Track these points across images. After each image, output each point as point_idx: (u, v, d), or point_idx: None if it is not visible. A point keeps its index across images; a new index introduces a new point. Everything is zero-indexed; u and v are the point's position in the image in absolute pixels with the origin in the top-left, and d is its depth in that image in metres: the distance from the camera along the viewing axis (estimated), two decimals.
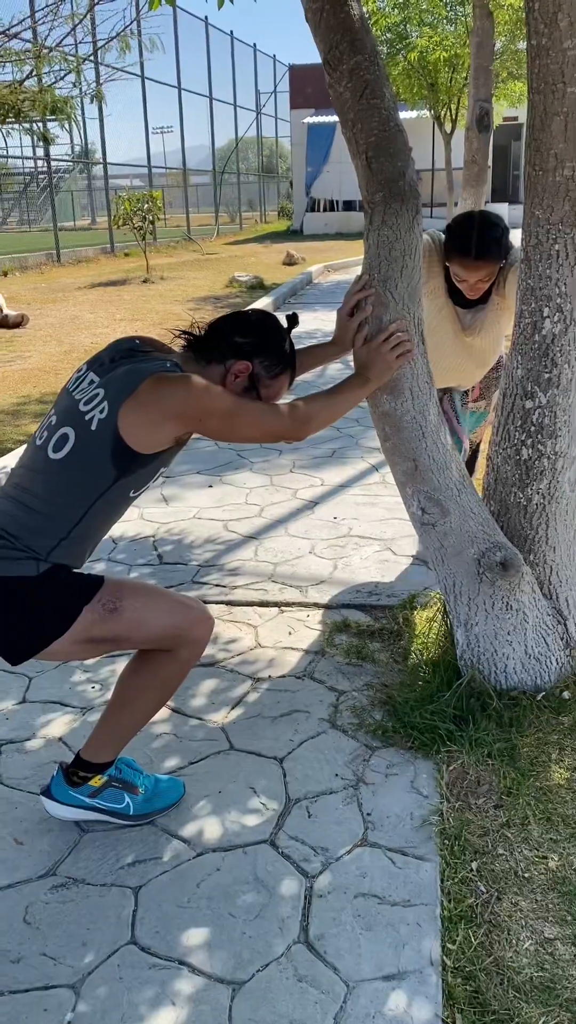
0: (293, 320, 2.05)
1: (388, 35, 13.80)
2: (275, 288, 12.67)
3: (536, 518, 2.37)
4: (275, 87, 33.61)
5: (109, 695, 2.61)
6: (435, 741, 2.33)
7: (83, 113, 18.37)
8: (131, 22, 9.23)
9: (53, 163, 21.59)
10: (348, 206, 26.72)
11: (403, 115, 20.12)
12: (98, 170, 23.57)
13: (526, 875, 1.92)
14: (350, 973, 1.70)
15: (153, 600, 1.94)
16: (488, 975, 1.68)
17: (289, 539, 3.78)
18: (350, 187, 26.40)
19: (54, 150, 25.16)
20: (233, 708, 2.58)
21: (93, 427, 1.78)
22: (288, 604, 3.19)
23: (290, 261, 16.92)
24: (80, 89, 9.29)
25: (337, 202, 26.67)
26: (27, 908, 1.89)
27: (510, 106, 15.70)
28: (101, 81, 10.33)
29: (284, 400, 1.98)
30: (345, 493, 4.34)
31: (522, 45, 12.54)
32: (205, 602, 3.22)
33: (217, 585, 3.36)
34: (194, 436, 2.00)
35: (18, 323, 9.63)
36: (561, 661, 2.45)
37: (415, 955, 1.73)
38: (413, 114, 18.82)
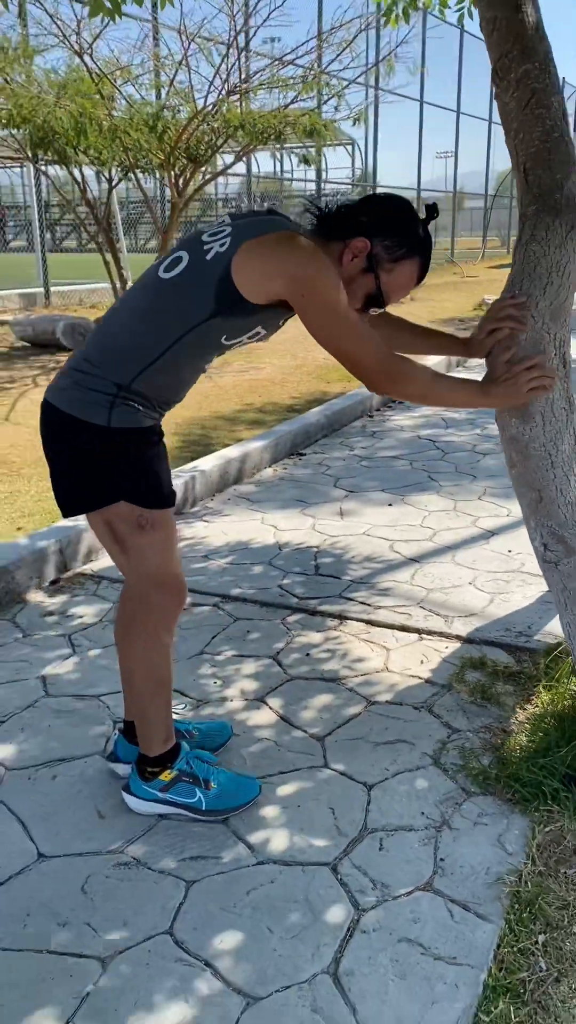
0: (432, 210, 1.92)
1: None
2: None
3: None
4: (563, 111, 32.61)
5: (229, 691, 2.69)
6: (537, 797, 2.15)
7: (365, 139, 18.82)
8: (398, 45, 9.39)
9: (333, 185, 22.39)
10: None
11: None
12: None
13: None
14: (367, 1018, 1.61)
15: (167, 547, 1.98)
16: None
17: (453, 567, 3.65)
18: None
19: (335, 174, 25.98)
20: (340, 727, 2.53)
21: (208, 256, 1.77)
22: (429, 632, 3.08)
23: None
24: (349, 113, 9.54)
25: None
26: (88, 878, 1.97)
27: None
28: (362, 105, 10.58)
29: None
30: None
31: None
32: (344, 617, 3.20)
33: (363, 603, 3.32)
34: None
35: None
36: None
37: (442, 1017, 1.60)
38: None
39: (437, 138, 41.01)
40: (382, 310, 2.01)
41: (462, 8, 4.68)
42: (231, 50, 8.52)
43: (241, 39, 8.91)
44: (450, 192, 26.39)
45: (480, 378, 2.04)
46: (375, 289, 1.88)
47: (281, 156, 23.77)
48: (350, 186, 27.69)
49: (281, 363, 8.97)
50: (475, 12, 4.49)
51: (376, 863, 1.99)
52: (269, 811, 2.17)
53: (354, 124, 10.33)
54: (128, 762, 2.26)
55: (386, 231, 1.85)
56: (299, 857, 2.02)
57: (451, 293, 16.08)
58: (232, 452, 5.04)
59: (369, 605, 3.29)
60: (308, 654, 2.95)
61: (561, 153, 2.09)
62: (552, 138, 2.09)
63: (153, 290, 1.85)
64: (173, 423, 6.07)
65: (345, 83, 9.19)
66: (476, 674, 2.78)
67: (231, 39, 8.52)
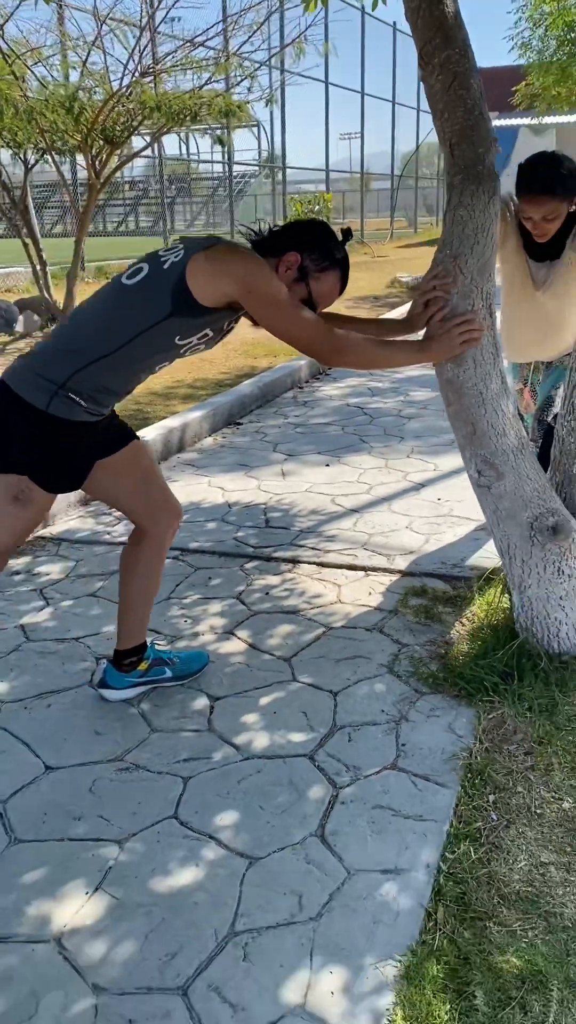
0: (347, 234, 2.24)
1: (573, 34, 13.54)
2: None
3: None
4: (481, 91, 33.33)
5: (199, 627, 2.94)
6: (480, 691, 2.48)
7: (271, 120, 19.00)
8: (307, 27, 9.64)
9: (239, 167, 22.52)
10: None
11: None
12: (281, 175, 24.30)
13: (538, 811, 2.05)
14: (353, 863, 1.91)
15: (24, 527, 2.18)
16: (478, 883, 1.84)
17: (390, 514, 3.97)
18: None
19: (242, 156, 26.09)
20: (303, 649, 2.82)
21: (165, 266, 2.04)
22: (374, 569, 3.40)
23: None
24: (260, 94, 9.75)
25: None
26: (94, 782, 2.21)
27: None
28: (275, 86, 10.81)
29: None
30: (455, 478, 4.47)
31: None
32: (297, 561, 3.48)
33: (313, 548, 3.61)
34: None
35: None
36: None
37: (414, 858, 1.91)
38: None
39: (342, 120, 41.41)
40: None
41: None
42: (144, 32, 8.63)
43: (156, 19, 9.01)
44: (357, 173, 26.80)
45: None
46: (307, 295, 2.17)
47: (187, 138, 23.76)
48: (257, 167, 27.84)
49: None
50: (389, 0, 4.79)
51: (347, 751, 2.29)
52: (249, 718, 2.45)
53: (266, 105, 10.54)
54: (117, 687, 2.52)
55: (312, 247, 2.16)
56: (280, 752, 2.30)
57: (363, 272, 16.44)
58: (172, 422, 5.25)
59: (319, 550, 3.59)
60: (268, 593, 3.23)
61: (481, 130, 2.39)
62: (473, 116, 2.39)
63: (116, 294, 2.11)
64: None
65: (257, 65, 9.39)
66: (418, 600, 3.11)
67: (144, 21, 8.61)
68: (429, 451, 4.98)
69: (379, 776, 2.19)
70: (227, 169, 19.37)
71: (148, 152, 15.83)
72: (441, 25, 2.42)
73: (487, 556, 3.43)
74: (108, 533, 3.86)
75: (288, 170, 23.11)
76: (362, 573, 3.38)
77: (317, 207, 15.61)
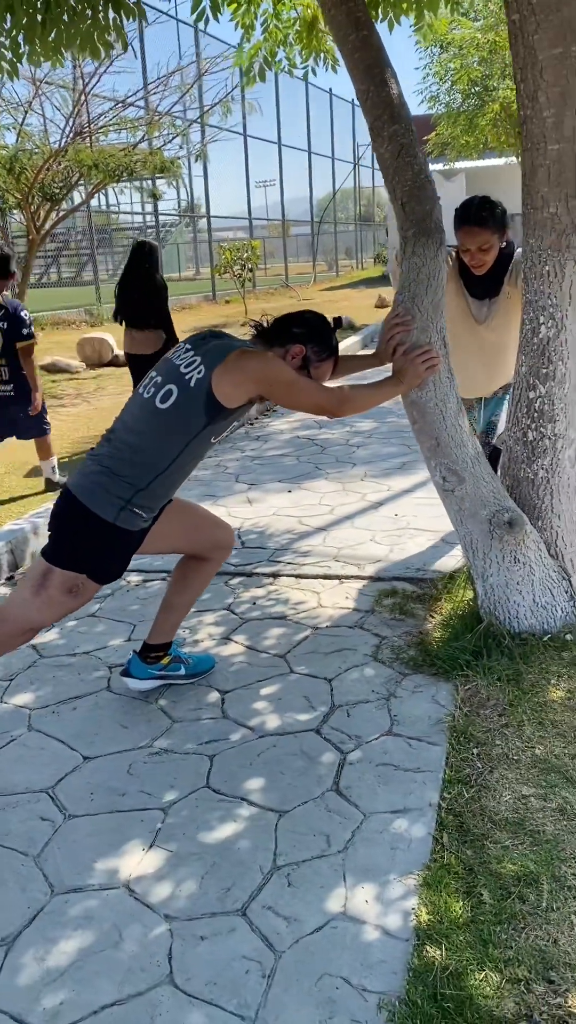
0: (338, 322, 2.66)
1: (476, 88, 14.47)
2: (363, 328, 13.35)
3: (542, 490, 2.90)
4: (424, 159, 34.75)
5: (198, 636, 3.26)
6: (455, 668, 2.86)
7: (189, 171, 19.64)
8: (233, 88, 10.22)
9: (161, 218, 23.08)
10: None
11: (491, 162, 20.41)
12: (203, 223, 25.00)
13: (515, 758, 2.42)
14: (367, 808, 2.25)
15: (65, 612, 2.50)
16: (473, 814, 2.20)
17: (354, 530, 4.36)
18: (446, 232, 27.08)
19: (163, 205, 26.70)
20: (295, 647, 3.17)
21: (192, 384, 2.39)
22: (347, 577, 3.77)
23: (381, 304, 17.61)
24: (187, 150, 10.29)
25: None
26: (130, 765, 2.51)
27: None
28: (206, 141, 11.36)
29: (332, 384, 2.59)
30: (409, 496, 4.90)
31: None
32: (277, 575, 3.84)
33: (289, 563, 3.97)
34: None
35: None
36: (566, 610, 2.95)
37: (418, 799, 2.27)
38: (501, 161, 19.38)
39: (260, 170, 42.58)
40: None
41: (306, 67, 5.45)
42: (79, 95, 9.08)
43: (89, 81, 9.47)
44: (278, 220, 27.68)
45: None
46: (307, 378, 2.56)
47: (107, 191, 24.26)
48: (178, 216, 28.49)
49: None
50: (318, 70, 5.31)
51: (348, 724, 2.64)
52: (258, 705, 2.78)
53: (196, 160, 11.06)
54: (138, 677, 2.84)
55: (314, 340, 2.57)
56: (289, 729, 2.64)
57: None
58: None
59: (295, 564, 3.95)
60: (255, 603, 3.57)
61: (428, 191, 2.83)
62: (420, 179, 2.83)
63: (154, 418, 2.43)
64: (62, 445, 6.53)
65: (188, 123, 9.92)
66: (390, 600, 3.49)
67: (81, 85, 9.06)
68: (380, 474, 5.41)
69: (378, 741, 2.55)
70: (156, 220, 19.84)
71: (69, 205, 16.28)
72: (388, 104, 2.87)
73: (446, 561, 3.84)
74: None
75: (211, 219, 23.73)
76: (337, 581, 3.75)
77: (246, 254, 16.19)
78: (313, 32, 5.17)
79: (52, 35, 3.62)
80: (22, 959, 1.85)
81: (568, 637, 2.92)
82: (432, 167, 16.63)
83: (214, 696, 2.87)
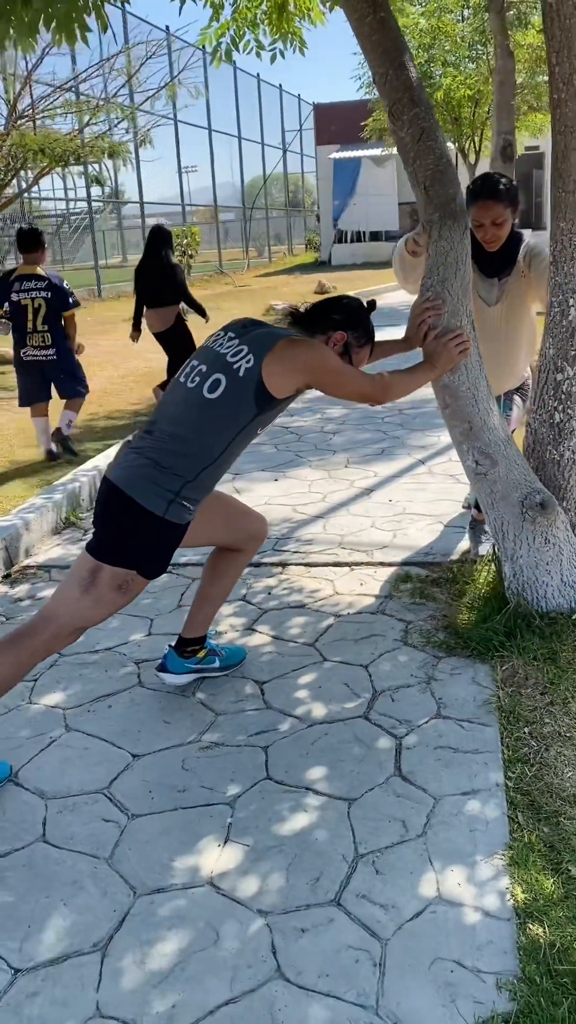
0: (372, 305, 2.64)
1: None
2: None
3: (568, 471, 2.94)
4: (301, 125, 34.76)
5: (220, 627, 3.22)
6: (489, 650, 2.89)
7: (135, 157, 19.25)
8: (180, 72, 10.07)
9: (81, 205, 22.58)
10: (375, 236, 27.51)
11: None
12: (127, 210, 24.57)
13: (568, 735, 2.46)
14: (436, 792, 2.26)
15: (114, 609, 2.43)
16: (540, 792, 2.23)
17: (352, 517, 4.37)
18: (376, 218, 27.25)
19: (83, 193, 26.10)
20: (322, 635, 3.16)
21: (241, 374, 2.35)
22: (357, 564, 3.78)
23: (322, 290, 17.62)
24: (132, 134, 10.09)
25: (364, 233, 27.47)
26: (183, 761, 2.47)
27: (531, 136, 16.40)
28: (147, 127, 11.19)
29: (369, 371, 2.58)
30: (397, 482, 4.93)
31: (541, 79, 13.24)
32: (286, 564, 3.82)
33: (295, 552, 3.95)
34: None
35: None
36: None
37: (484, 781, 2.29)
38: None
39: (188, 155, 42.08)
40: None
41: (274, 49, 5.40)
42: (26, 77, 8.82)
43: (29, 64, 9.20)
44: (211, 205, 27.42)
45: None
46: (348, 364, 2.55)
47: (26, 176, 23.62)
48: (101, 203, 27.97)
49: (106, 374, 9.33)
50: (262, 53, 5.27)
51: (395, 709, 2.65)
52: (299, 694, 2.77)
53: (141, 145, 10.87)
54: (175, 672, 2.79)
55: (354, 326, 2.56)
56: (337, 716, 2.63)
57: (234, 302, 16.94)
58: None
59: (301, 553, 3.93)
60: (270, 593, 3.55)
61: (450, 174, 2.83)
62: (442, 163, 2.83)
63: (203, 409, 2.38)
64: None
65: (135, 106, 9.74)
66: (407, 585, 3.51)
67: (24, 69, 8.80)
68: (362, 460, 5.43)
69: (429, 724, 2.56)
70: (89, 206, 19.45)
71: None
72: (408, 87, 2.85)
73: (450, 544, 3.88)
74: None
75: (134, 205, 23.33)
76: (347, 568, 3.75)
77: (186, 240, 16.01)
78: (283, 13, 5.12)
79: (27, 14, 3.47)
80: (121, 963, 1.80)
81: None
82: (363, 153, 17.02)
83: (251, 687, 2.84)
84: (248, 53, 5.52)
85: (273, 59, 5.51)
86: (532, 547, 2.92)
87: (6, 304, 5.50)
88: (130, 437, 2.54)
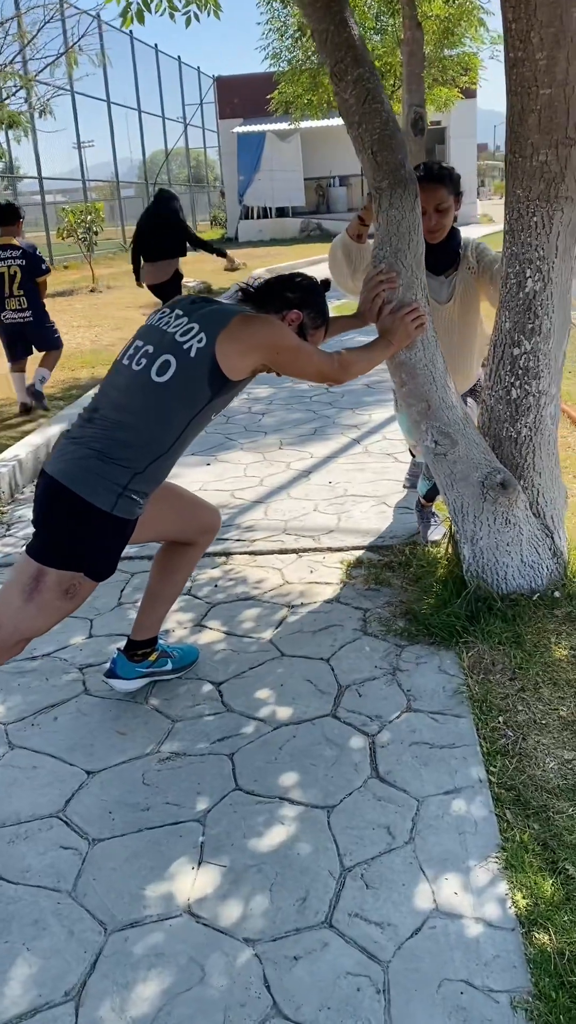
0: (327, 284, 2.49)
1: None
2: (223, 292, 13.08)
3: (524, 448, 2.85)
4: (201, 99, 34.06)
5: (167, 625, 3.04)
6: (453, 636, 2.79)
7: (32, 128, 18.44)
8: (80, 38, 9.60)
9: None
10: (281, 212, 27.29)
11: (331, 122, 20.40)
12: (24, 185, 23.59)
13: (543, 722, 2.38)
14: (417, 792, 2.14)
15: (61, 616, 2.22)
16: (524, 786, 2.14)
17: (293, 501, 4.22)
18: (282, 194, 26.98)
19: None
20: (276, 628, 3.01)
21: (192, 354, 2.16)
22: (305, 550, 3.63)
23: (231, 267, 17.32)
24: (30, 104, 9.60)
25: (270, 209, 27.20)
26: (143, 775, 2.29)
27: (436, 111, 16.42)
28: (46, 97, 10.67)
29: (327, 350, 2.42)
30: (334, 463, 4.80)
31: (447, 52, 13.23)
32: (229, 553, 3.64)
33: (238, 540, 3.78)
34: None
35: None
36: (550, 568, 2.93)
37: (466, 777, 2.18)
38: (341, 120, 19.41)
39: (89, 128, 40.77)
40: None
41: (188, 11, 5.14)
42: None
43: None
44: (112, 181, 26.65)
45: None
46: None
47: None
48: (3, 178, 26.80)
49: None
50: (176, 16, 5.03)
51: (363, 705, 2.52)
52: (260, 694, 2.61)
53: (40, 116, 10.38)
54: (126, 678, 2.60)
55: (310, 305, 2.41)
56: (304, 716, 2.49)
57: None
58: (35, 439, 5.18)
59: (244, 540, 3.76)
60: (216, 585, 3.37)
61: (397, 139, 2.68)
62: (389, 127, 2.67)
63: (151, 393, 2.17)
64: None
65: (35, 73, 9.26)
66: (359, 571, 3.38)
67: None
68: (296, 441, 5.27)
69: (401, 719, 2.44)
70: None
71: None
72: (350, 46, 2.69)
73: (399, 527, 3.77)
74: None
75: (31, 181, 22.43)
76: (295, 555, 3.60)
77: (90, 216, 15.47)
78: None
79: None
80: (99, 1012, 1.62)
81: (556, 594, 2.91)
82: (268, 127, 16.82)
83: (208, 689, 2.67)
84: (161, 15, 5.24)
85: (188, 23, 5.25)
86: (492, 528, 2.83)
87: None
88: (68, 427, 2.32)
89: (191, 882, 1.92)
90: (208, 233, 32.81)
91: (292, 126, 19.04)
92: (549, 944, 1.68)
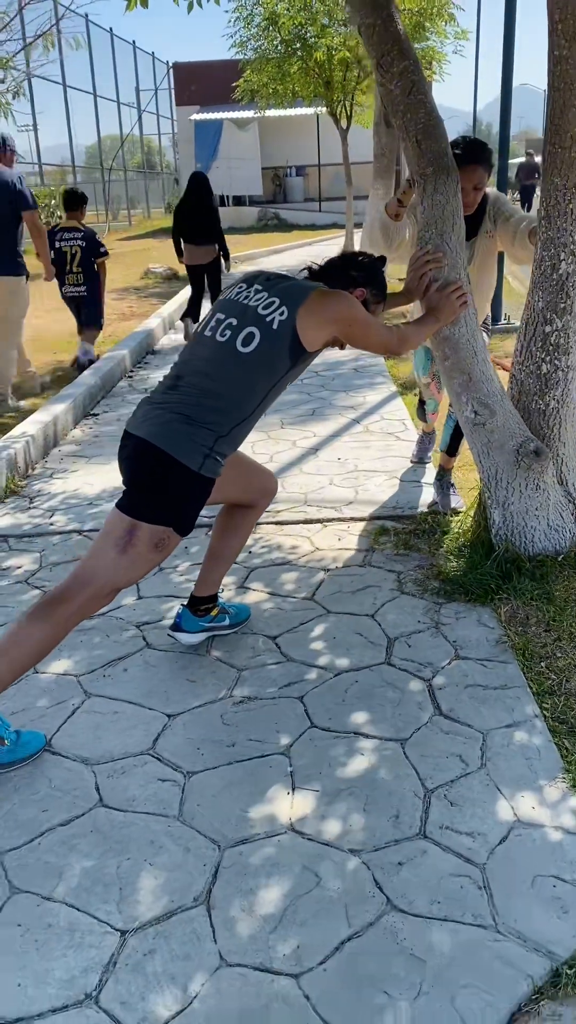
0: (383, 261, 2.67)
1: (290, 36, 14.44)
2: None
3: (552, 420, 3.08)
4: (156, 85, 33.83)
5: None
6: (487, 594, 3.00)
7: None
8: (57, 22, 9.57)
9: None
10: (238, 201, 27.34)
11: (299, 111, 20.44)
12: None
13: None
14: (481, 726, 2.35)
15: (151, 567, 2.37)
16: (575, 719, 2.36)
17: (307, 476, 4.40)
18: (240, 183, 27.02)
19: None
20: (316, 589, 3.19)
21: (275, 327, 2.33)
22: (329, 520, 3.82)
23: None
24: (7, 85, 9.54)
25: (228, 197, 27.21)
26: (221, 716, 2.46)
27: None
28: (20, 80, 10.61)
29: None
30: (338, 441, 4.99)
31: (418, 46, 13.44)
32: (257, 523, 3.80)
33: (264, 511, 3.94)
34: None
35: None
36: (573, 531, 3.17)
37: (522, 713, 2.40)
38: (310, 111, 19.53)
39: (41, 111, 40.10)
40: None
41: None
42: None
43: None
44: (67, 165, 26.37)
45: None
46: None
47: None
48: None
49: None
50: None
51: (414, 653, 2.72)
52: (316, 645, 2.79)
53: (14, 98, 10.31)
54: (190, 631, 2.76)
55: (372, 283, 2.60)
56: (361, 664, 2.68)
57: (110, 265, 16.43)
58: (42, 416, 5.27)
59: (269, 511, 3.93)
60: (250, 552, 3.54)
61: (440, 128, 2.87)
62: (433, 117, 2.86)
63: (239, 362, 2.33)
64: None
65: (10, 56, 9.22)
66: (386, 538, 3.58)
67: None
68: (297, 421, 5.45)
69: (452, 665, 2.65)
70: None
71: None
72: (396, 39, 2.87)
73: (413, 498, 3.98)
74: (51, 524, 3.92)
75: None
76: (319, 525, 3.78)
77: (52, 201, 15.37)
78: None
79: None
80: (230, 913, 1.80)
81: None
82: (225, 115, 16.95)
83: (265, 642, 2.84)
84: None
85: (191, 8, 5.36)
86: (524, 493, 3.05)
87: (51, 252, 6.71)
88: (149, 394, 2.47)
89: (289, 805, 2.10)
90: (161, 220, 32.65)
91: (253, 114, 19.05)
92: None
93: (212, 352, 2.39)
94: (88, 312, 7.17)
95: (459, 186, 2.88)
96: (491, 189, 3.43)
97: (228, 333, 2.38)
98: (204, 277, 8.23)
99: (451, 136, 3.04)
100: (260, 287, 2.44)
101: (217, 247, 8.06)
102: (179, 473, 2.28)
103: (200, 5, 5.52)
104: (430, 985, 1.62)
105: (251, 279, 2.50)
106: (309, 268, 2.63)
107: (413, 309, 3.51)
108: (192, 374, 2.39)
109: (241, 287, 2.48)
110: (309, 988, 1.63)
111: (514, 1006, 1.57)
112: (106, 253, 7.10)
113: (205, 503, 2.40)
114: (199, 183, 8.01)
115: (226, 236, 8.22)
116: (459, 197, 2.88)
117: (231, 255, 8.41)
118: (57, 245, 6.90)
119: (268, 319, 2.35)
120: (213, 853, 1.96)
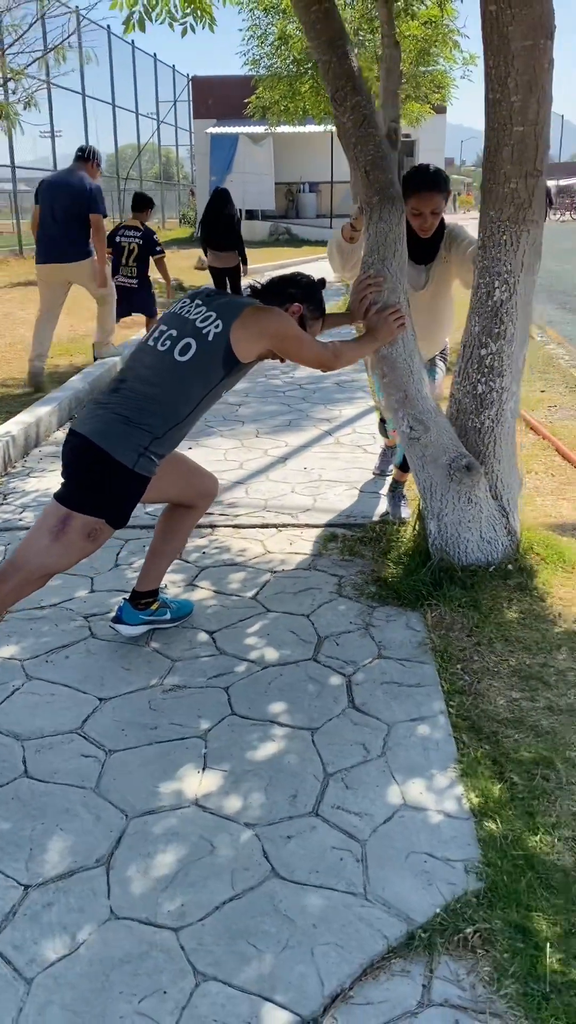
0: (323, 283, 2.86)
1: (302, 55, 14.72)
2: (195, 288, 13.35)
3: (487, 438, 3.25)
4: (175, 97, 34.27)
5: (160, 584, 3.37)
6: (418, 599, 3.17)
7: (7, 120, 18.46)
8: (70, 35, 9.85)
9: None
10: (250, 215, 27.61)
11: (304, 129, 20.73)
12: None
13: (495, 670, 2.77)
14: (388, 719, 2.52)
15: (82, 556, 2.56)
16: (478, 717, 2.52)
17: (272, 483, 4.57)
18: (253, 196, 27.32)
19: None
20: (261, 589, 3.36)
21: (210, 338, 2.52)
22: (284, 525, 3.99)
23: (202, 266, 17.59)
24: (19, 96, 9.83)
25: (240, 211, 27.47)
26: (149, 702, 2.63)
27: (408, 125, 16.91)
28: (32, 89, 10.88)
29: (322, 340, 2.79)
30: (308, 451, 5.17)
31: (422, 69, 13.71)
32: (215, 526, 3.99)
33: (221, 515, 4.13)
34: None
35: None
36: (505, 544, 3.34)
37: (429, 709, 2.56)
38: (320, 128, 19.83)
39: (60, 119, 40.61)
40: None
41: (185, 23, 5.48)
42: None
43: None
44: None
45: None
46: None
47: None
48: None
49: None
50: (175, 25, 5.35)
51: (340, 651, 2.89)
52: (249, 641, 2.96)
53: (26, 108, 10.60)
54: (130, 623, 2.93)
55: (308, 299, 2.79)
56: (289, 659, 2.85)
57: None
58: (26, 418, 5.46)
59: (227, 515, 4.11)
60: (204, 553, 3.71)
61: (388, 160, 3.06)
62: (382, 150, 3.06)
63: (176, 370, 2.52)
64: None
65: (24, 66, 9.50)
66: (334, 544, 3.75)
67: None
68: (272, 431, 5.63)
69: (373, 664, 2.82)
70: None
71: None
72: (349, 76, 3.06)
73: (368, 508, 4.15)
74: (20, 520, 4.11)
75: (4, 168, 22.42)
76: (274, 530, 3.96)
77: None
78: None
79: None
80: (126, 874, 1.96)
81: (509, 567, 3.31)
82: (241, 130, 17.26)
83: (203, 636, 3.01)
84: (161, 23, 5.55)
85: (184, 33, 5.58)
86: (456, 506, 3.22)
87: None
88: (97, 395, 2.65)
89: (198, 782, 2.26)
90: (176, 231, 33.02)
91: (267, 130, 19.37)
92: (496, 830, 2.06)
93: (153, 360, 2.57)
94: (143, 300, 7.91)
95: (403, 215, 3.07)
96: (451, 223, 3.61)
97: (168, 343, 2.57)
98: (226, 279, 9.33)
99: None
100: (201, 302, 2.62)
101: (237, 253, 9.11)
102: (115, 470, 2.46)
103: (193, 31, 5.72)
104: (296, 941, 1.78)
105: (195, 295, 2.68)
106: (251, 286, 2.82)
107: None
108: (134, 379, 2.57)
109: (185, 302, 2.67)
110: (186, 940, 1.79)
111: (367, 961, 1.73)
112: (162, 251, 7.83)
113: (139, 499, 2.58)
114: (221, 197, 9.01)
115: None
116: (403, 225, 3.06)
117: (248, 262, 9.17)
118: (117, 240, 7.61)
119: (204, 331, 2.54)
120: (121, 822, 2.13)
